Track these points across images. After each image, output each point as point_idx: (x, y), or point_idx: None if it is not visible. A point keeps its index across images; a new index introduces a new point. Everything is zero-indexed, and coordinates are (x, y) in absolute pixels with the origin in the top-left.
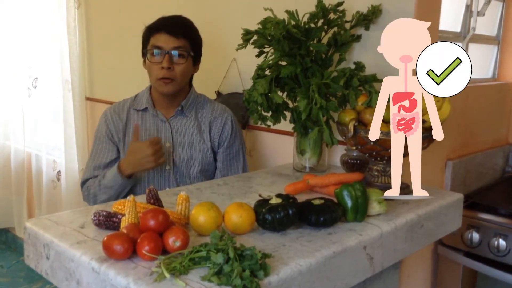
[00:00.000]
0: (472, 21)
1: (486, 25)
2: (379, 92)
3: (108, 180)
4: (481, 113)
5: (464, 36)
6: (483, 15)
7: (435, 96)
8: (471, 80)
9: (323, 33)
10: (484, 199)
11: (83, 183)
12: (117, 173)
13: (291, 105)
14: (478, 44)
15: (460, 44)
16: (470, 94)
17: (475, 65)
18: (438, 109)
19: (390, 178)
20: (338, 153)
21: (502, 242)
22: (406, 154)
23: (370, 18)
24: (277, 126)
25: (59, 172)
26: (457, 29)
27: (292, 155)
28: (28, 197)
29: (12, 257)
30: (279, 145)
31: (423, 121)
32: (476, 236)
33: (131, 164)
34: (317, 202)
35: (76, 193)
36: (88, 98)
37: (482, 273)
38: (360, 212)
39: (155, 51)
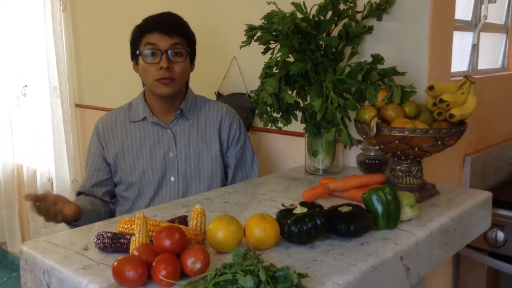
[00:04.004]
0: (483, 9)
1: (494, 13)
2: (400, 86)
3: None
4: (494, 105)
5: (475, 25)
6: (495, 2)
7: (459, 89)
8: (482, 71)
9: (333, 26)
10: (506, 195)
11: (77, 195)
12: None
13: (301, 104)
14: (488, 33)
15: (472, 33)
16: (483, 86)
17: (485, 55)
18: (463, 102)
19: (416, 178)
20: (351, 152)
21: None
22: (431, 152)
23: (383, 8)
24: (284, 127)
25: (53, 182)
26: (468, 17)
27: (300, 156)
28: (20, 211)
29: (3, 274)
30: (286, 147)
31: (452, 115)
32: (500, 234)
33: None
34: (344, 209)
35: None
36: (77, 105)
37: (507, 273)
38: (392, 219)
39: (150, 51)
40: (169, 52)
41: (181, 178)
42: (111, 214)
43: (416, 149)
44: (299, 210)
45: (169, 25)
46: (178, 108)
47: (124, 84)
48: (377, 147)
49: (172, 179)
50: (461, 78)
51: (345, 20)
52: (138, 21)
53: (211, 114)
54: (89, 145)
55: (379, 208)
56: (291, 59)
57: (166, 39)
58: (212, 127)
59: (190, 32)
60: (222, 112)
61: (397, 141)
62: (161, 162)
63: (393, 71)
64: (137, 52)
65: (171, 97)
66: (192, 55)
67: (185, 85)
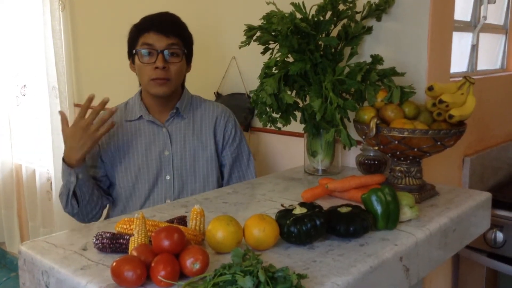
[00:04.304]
0: (482, 9)
1: (494, 13)
2: (400, 87)
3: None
4: (494, 105)
5: (474, 25)
6: (494, 2)
7: (459, 89)
8: (481, 72)
9: (332, 26)
10: (505, 195)
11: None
12: (62, 163)
13: (300, 104)
14: (487, 34)
15: (471, 34)
16: (483, 87)
17: (484, 55)
18: (463, 103)
19: (415, 179)
20: (350, 153)
21: None
22: (431, 152)
23: (382, 8)
24: (283, 127)
25: (52, 182)
26: (467, 18)
27: (299, 157)
28: (18, 211)
29: (2, 274)
30: (285, 147)
31: (451, 116)
32: (500, 235)
33: (72, 149)
34: (344, 210)
35: None
36: (76, 105)
37: (506, 274)
38: (392, 219)
39: (147, 51)
40: (166, 52)
41: (177, 176)
42: (103, 206)
43: (415, 149)
44: (299, 210)
45: (167, 25)
46: (174, 107)
47: (123, 84)
48: (376, 148)
49: (168, 177)
50: (460, 78)
51: (345, 21)
52: (137, 20)
53: (207, 114)
54: None
55: (378, 208)
56: (291, 59)
57: (163, 39)
58: (207, 127)
59: (187, 32)
60: (217, 112)
61: (396, 142)
62: (156, 160)
63: (393, 72)
64: (134, 51)
65: (167, 96)
66: (188, 56)
67: (181, 85)
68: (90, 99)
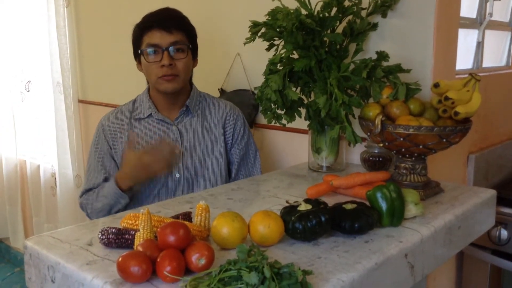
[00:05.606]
0: (488, 6)
1: (500, 10)
2: (405, 84)
3: (105, 190)
4: (498, 103)
5: (480, 22)
6: None
7: (464, 86)
8: (487, 69)
9: (338, 22)
10: (510, 193)
11: (82, 194)
12: (113, 185)
13: (305, 101)
14: (493, 31)
15: (477, 31)
16: (488, 84)
17: (490, 53)
18: (468, 100)
19: (420, 176)
20: (355, 150)
21: None
22: (436, 150)
23: (388, 5)
24: (288, 124)
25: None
26: (473, 15)
27: (303, 153)
28: (23, 206)
29: (6, 269)
30: (289, 144)
31: (457, 113)
32: (504, 233)
33: (128, 176)
34: (349, 206)
35: (71, 200)
36: (80, 101)
37: (511, 271)
38: (397, 216)
39: (151, 49)
40: (170, 49)
41: (186, 174)
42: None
43: (420, 146)
44: (304, 207)
45: (169, 21)
46: (184, 105)
47: (127, 80)
48: (381, 145)
49: (177, 175)
50: (466, 75)
51: (350, 17)
52: (141, 16)
53: (216, 112)
54: (94, 143)
55: (383, 205)
56: (295, 56)
57: (166, 36)
58: (217, 125)
59: (190, 26)
60: (227, 110)
61: (401, 139)
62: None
63: (398, 68)
64: (139, 51)
65: (176, 93)
66: (194, 50)
67: (189, 82)
68: (165, 144)
